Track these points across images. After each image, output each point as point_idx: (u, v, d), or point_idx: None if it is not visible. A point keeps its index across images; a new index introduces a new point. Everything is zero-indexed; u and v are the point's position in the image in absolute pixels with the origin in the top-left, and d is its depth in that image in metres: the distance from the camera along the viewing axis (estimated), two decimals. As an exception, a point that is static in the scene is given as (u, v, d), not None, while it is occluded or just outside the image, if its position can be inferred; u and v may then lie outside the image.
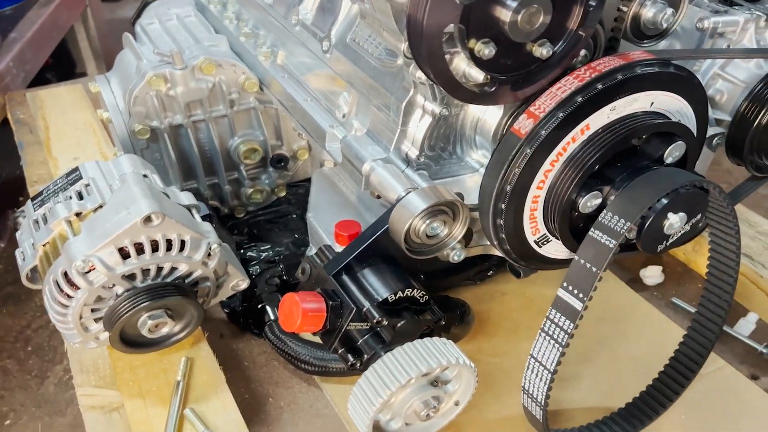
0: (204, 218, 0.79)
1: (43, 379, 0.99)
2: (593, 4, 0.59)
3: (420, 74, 0.64)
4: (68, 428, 0.85)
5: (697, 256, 0.95)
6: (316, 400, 0.80)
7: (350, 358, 0.63)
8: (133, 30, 1.10)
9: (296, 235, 1.01)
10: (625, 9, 0.66)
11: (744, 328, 0.85)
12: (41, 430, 0.84)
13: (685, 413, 0.74)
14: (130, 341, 0.75)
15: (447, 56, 0.58)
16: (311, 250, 0.91)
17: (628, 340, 0.84)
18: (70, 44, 2.19)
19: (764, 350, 0.82)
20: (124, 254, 0.69)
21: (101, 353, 0.82)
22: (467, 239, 0.70)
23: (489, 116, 0.70)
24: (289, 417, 0.78)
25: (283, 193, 1.08)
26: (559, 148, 0.61)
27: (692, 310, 0.89)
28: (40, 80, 1.62)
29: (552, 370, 0.61)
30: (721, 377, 0.78)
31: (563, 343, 0.60)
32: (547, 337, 0.61)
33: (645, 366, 0.80)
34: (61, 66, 2.24)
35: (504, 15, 0.56)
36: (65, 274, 0.69)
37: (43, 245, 0.74)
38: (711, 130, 0.75)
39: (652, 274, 0.94)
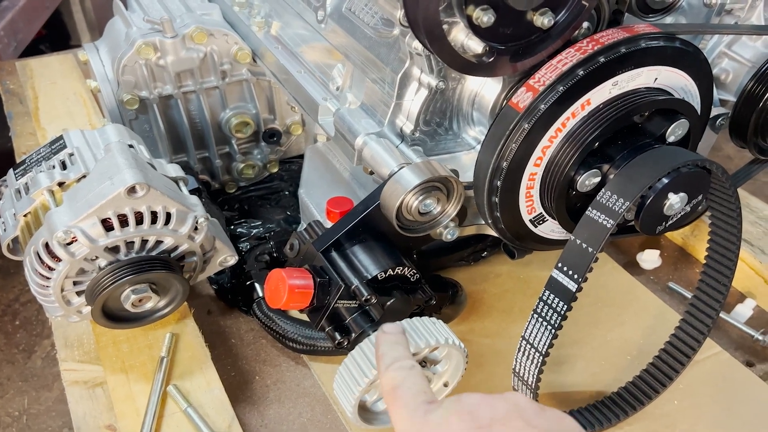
0: (192, 192, 0.77)
1: (31, 354, 0.97)
2: (598, -27, 0.57)
3: (416, 44, 0.62)
4: (55, 402, 0.83)
5: (696, 240, 0.93)
6: (304, 379, 0.79)
7: (338, 336, 0.62)
8: (124, -3, 1.07)
9: (288, 212, 0.99)
10: (630, -19, 0.64)
11: (740, 314, 0.84)
12: (27, 403, 0.83)
13: (679, 399, 0.73)
14: (114, 316, 0.73)
15: (444, 26, 0.56)
16: (302, 227, 0.90)
17: (622, 325, 0.82)
18: (64, 15, 2.15)
19: (760, 337, 0.80)
20: (108, 226, 0.67)
21: (86, 328, 0.80)
22: (461, 217, 0.68)
23: (487, 91, 0.68)
24: (276, 395, 0.77)
25: (275, 169, 1.06)
26: (558, 124, 0.59)
27: (689, 295, 0.87)
28: (33, 51, 1.59)
29: (544, 353, 0.59)
30: (716, 363, 0.77)
31: (556, 325, 0.58)
32: (540, 319, 0.59)
33: (639, 351, 0.78)
34: (54, 37, 2.20)
35: (504, -20, 0.54)
36: (46, 246, 0.67)
37: (24, 215, 0.72)
38: (715, 111, 0.73)
39: (649, 258, 0.92)
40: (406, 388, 0.47)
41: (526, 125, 0.58)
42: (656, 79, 0.61)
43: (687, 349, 0.70)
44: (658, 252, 0.93)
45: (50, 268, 0.68)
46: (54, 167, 0.74)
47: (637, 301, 0.86)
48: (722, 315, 0.83)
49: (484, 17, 0.54)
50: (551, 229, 0.68)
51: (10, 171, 0.78)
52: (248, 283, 0.86)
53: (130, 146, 0.75)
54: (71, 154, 0.75)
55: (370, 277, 0.61)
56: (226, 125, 0.97)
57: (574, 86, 0.57)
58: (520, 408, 0.44)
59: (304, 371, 0.80)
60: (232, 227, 0.95)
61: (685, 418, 0.71)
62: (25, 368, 0.92)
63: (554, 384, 0.75)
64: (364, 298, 0.60)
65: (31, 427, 0.81)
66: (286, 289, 0.60)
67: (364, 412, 0.61)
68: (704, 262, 0.69)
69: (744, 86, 0.73)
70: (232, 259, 0.79)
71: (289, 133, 1.03)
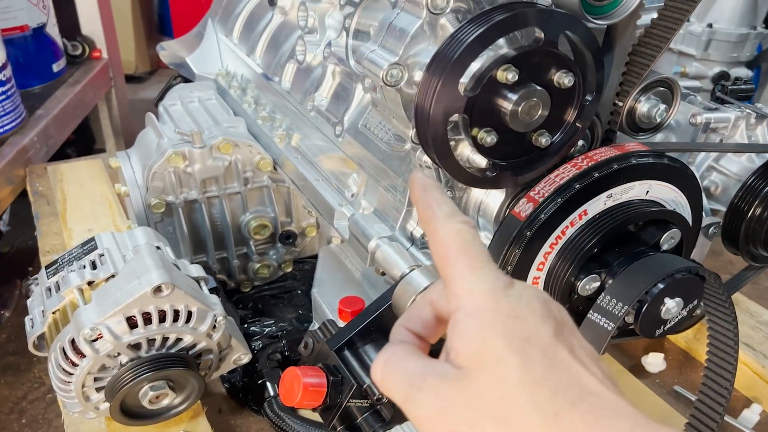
0: (211, 291, 0.81)
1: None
2: (589, 99, 0.64)
3: (426, 158, 0.68)
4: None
5: (699, 344, 0.95)
6: (313, 481, 0.79)
7: (349, 435, 0.63)
8: (156, 110, 1.16)
9: (300, 311, 1.02)
10: (620, 104, 0.71)
11: (748, 419, 0.84)
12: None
13: (690, 507, 0.72)
14: (130, 412, 0.74)
15: (452, 143, 0.62)
16: (315, 326, 0.92)
17: (630, 429, 0.83)
18: (91, 121, 2.28)
19: (770, 443, 0.80)
20: (132, 323, 0.71)
21: (98, 426, 0.81)
22: (469, 319, 0.70)
23: (491, 200, 0.73)
24: (285, 498, 0.77)
25: (289, 269, 1.09)
26: (558, 232, 0.63)
27: (694, 399, 0.88)
28: (60, 155, 1.68)
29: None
30: (726, 470, 0.77)
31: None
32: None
33: (648, 456, 0.78)
34: (81, 141, 2.32)
35: (505, 106, 0.60)
36: (72, 342, 0.70)
37: (53, 312, 0.76)
38: (707, 220, 0.77)
39: (654, 361, 0.94)
40: (480, 249, 0.36)
41: (528, 233, 0.62)
42: (648, 191, 0.66)
43: (694, 454, 0.70)
44: (662, 355, 0.94)
45: (74, 364, 0.71)
46: (84, 267, 0.78)
47: (643, 405, 0.87)
48: (730, 420, 0.83)
49: (488, 138, 0.60)
50: (555, 331, 0.71)
51: (42, 270, 0.82)
52: (260, 381, 0.88)
53: (158, 248, 0.80)
54: (101, 255, 0.80)
55: (382, 376, 0.63)
56: (246, 228, 1.01)
57: (572, 198, 0.62)
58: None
59: (313, 472, 0.79)
60: (246, 325, 0.98)
61: None
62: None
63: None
64: (375, 398, 0.62)
65: None
66: (301, 387, 0.62)
67: None
68: (705, 365, 0.71)
69: (732, 198, 0.78)
70: (246, 357, 0.81)
71: (304, 235, 1.08)
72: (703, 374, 0.71)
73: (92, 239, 0.83)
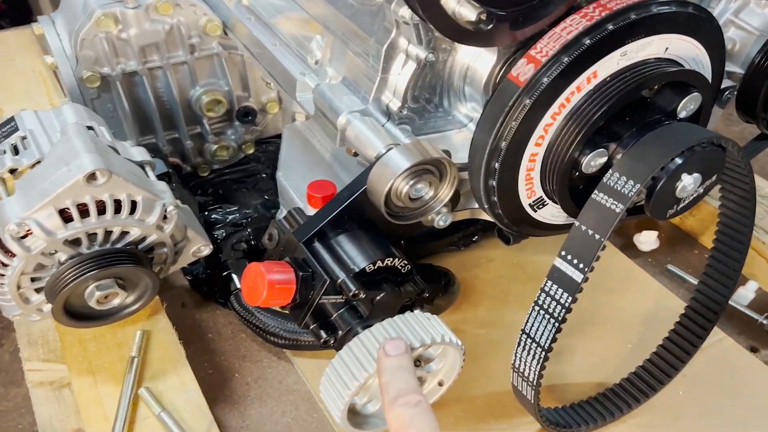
0: (161, 177, 0.71)
1: (-4, 348, 0.90)
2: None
3: (403, 11, 0.56)
4: (24, 399, 0.78)
5: (694, 220, 0.90)
6: (287, 375, 0.74)
7: (323, 334, 0.57)
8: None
9: (266, 197, 0.93)
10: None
11: (743, 297, 0.80)
12: (-5, 401, 0.77)
13: (684, 389, 0.69)
14: (77, 314, 0.67)
15: (436, -11, 0.50)
16: (282, 213, 0.84)
17: (622, 310, 0.78)
18: (24, -13, 2.04)
19: (764, 321, 0.77)
20: (66, 217, 0.61)
21: (51, 324, 0.74)
22: (454, 202, 0.62)
23: (480, 64, 0.62)
24: (257, 394, 0.72)
25: (251, 150, 0.99)
26: (561, 99, 0.53)
27: (688, 278, 0.84)
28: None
29: (546, 348, 0.55)
30: (720, 350, 0.73)
31: (560, 318, 0.54)
32: (542, 312, 0.55)
33: (640, 339, 0.75)
34: (15, 11, 2.10)
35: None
36: (-2, 240, 0.61)
37: (-27, 206, 0.66)
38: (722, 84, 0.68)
39: (647, 240, 0.88)
40: (416, 430, 0.46)
41: (528, 101, 0.52)
42: (667, 48, 0.56)
43: (693, 338, 0.66)
44: (656, 233, 0.89)
45: (3, 264, 0.62)
46: (5, 152, 0.67)
47: (636, 285, 0.82)
48: (723, 297, 0.79)
49: (482, -21, 0.48)
50: (551, 214, 0.63)
51: (-43, 157, 0.71)
52: (225, 273, 0.81)
53: (90, 128, 0.68)
54: (24, 138, 0.68)
55: (357, 270, 0.56)
56: (197, 103, 0.90)
57: (580, 57, 0.52)
58: None
59: (287, 367, 0.75)
60: (206, 213, 0.89)
61: (690, 410, 0.67)
62: (-9, 363, 0.85)
63: (552, 376, 0.71)
64: (351, 294, 0.55)
65: (0, 425, 0.75)
66: (266, 284, 0.54)
67: (354, 416, 0.56)
68: (713, 245, 0.65)
69: (752, 58, 0.69)
70: (207, 249, 0.73)
71: (264, 112, 0.97)
72: (710, 255, 0.65)
73: (11, 119, 0.71)
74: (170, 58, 0.86)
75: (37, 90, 1.13)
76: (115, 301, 0.67)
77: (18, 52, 1.24)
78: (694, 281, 0.83)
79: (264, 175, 0.98)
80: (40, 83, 1.15)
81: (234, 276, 0.79)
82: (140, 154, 0.70)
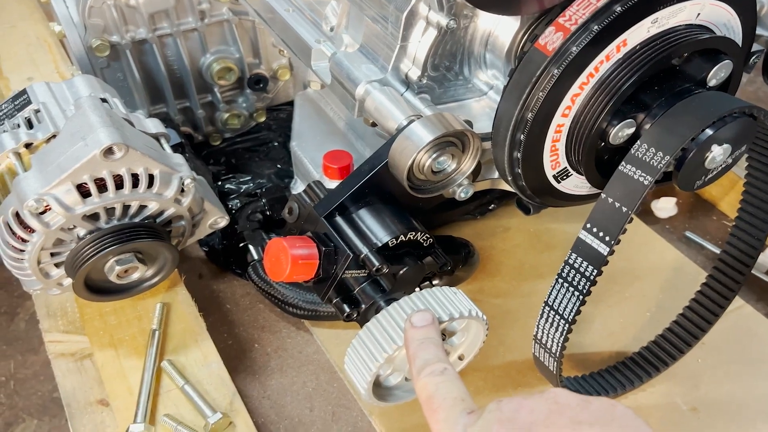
0: (175, 148, 0.70)
1: (13, 316, 0.91)
2: None
3: (425, -23, 0.54)
4: (42, 366, 0.79)
5: (713, 186, 0.89)
6: (306, 345, 0.74)
7: (346, 308, 0.57)
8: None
9: (279, 165, 0.92)
10: None
11: (762, 263, 0.80)
12: (14, 368, 0.78)
13: (702, 357, 0.69)
14: (97, 288, 0.67)
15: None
16: (296, 183, 0.83)
17: (640, 279, 0.78)
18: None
19: (783, 288, 0.77)
20: (84, 192, 0.60)
21: (69, 295, 0.75)
22: (476, 174, 0.62)
23: (502, 30, 0.61)
24: (277, 364, 0.73)
25: (262, 119, 0.98)
26: (590, 69, 0.52)
27: (707, 244, 0.83)
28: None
29: (570, 320, 0.55)
30: (739, 318, 0.73)
31: (584, 291, 0.53)
32: (566, 284, 0.54)
33: (658, 306, 0.75)
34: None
35: None
36: (17, 215, 0.61)
37: (-11, 181, 0.65)
38: (748, 48, 0.66)
39: (665, 206, 0.87)
40: (441, 398, 0.45)
41: (556, 71, 0.51)
42: (699, 14, 0.54)
43: (714, 306, 0.66)
44: (674, 200, 0.88)
45: (23, 240, 0.62)
46: (19, 126, 0.66)
47: (654, 253, 0.82)
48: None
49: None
50: (575, 185, 0.62)
51: (-31, 131, 0.70)
52: (241, 245, 0.80)
53: (103, 100, 0.67)
54: (37, 111, 0.67)
55: (380, 245, 0.56)
56: (208, 71, 0.88)
57: (611, 24, 0.50)
58: (561, 405, 0.40)
59: (306, 337, 0.75)
60: (220, 183, 0.89)
61: (710, 378, 0.68)
62: (8, 331, 0.86)
63: (570, 345, 0.70)
64: (375, 268, 0.54)
65: (20, 393, 0.76)
66: (289, 260, 0.54)
67: (378, 388, 0.57)
68: (737, 214, 0.64)
69: (782, 20, 0.66)
70: (223, 221, 0.73)
71: (276, 79, 0.95)
72: (733, 224, 0.64)
73: (24, 92, 0.69)
74: (180, 25, 0.84)
75: (43, 58, 1.11)
76: (135, 275, 0.67)
77: (20, 19, 1.21)
78: (713, 248, 0.83)
79: (276, 144, 0.96)
80: (45, 51, 1.13)
81: (251, 247, 0.79)
82: (155, 126, 0.69)
